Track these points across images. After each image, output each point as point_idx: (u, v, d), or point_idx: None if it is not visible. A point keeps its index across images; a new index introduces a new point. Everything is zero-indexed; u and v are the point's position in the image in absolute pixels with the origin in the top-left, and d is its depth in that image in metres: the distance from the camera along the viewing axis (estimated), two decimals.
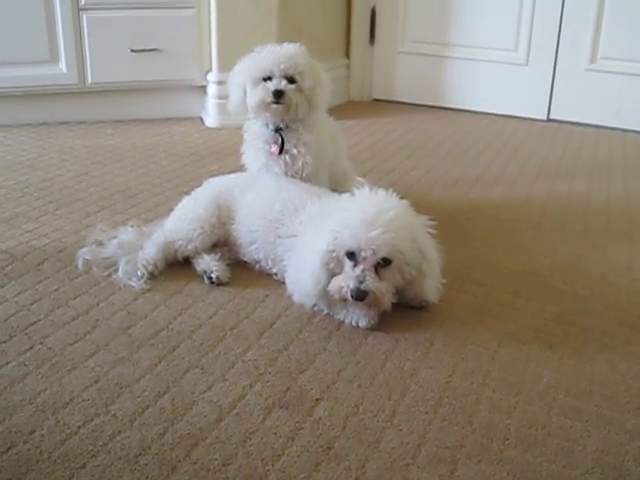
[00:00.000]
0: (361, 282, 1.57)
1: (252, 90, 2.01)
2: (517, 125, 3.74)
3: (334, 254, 1.61)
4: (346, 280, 1.59)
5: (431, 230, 1.73)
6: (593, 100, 3.70)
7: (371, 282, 1.57)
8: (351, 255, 1.60)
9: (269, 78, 1.99)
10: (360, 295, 1.57)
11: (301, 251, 1.73)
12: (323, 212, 1.74)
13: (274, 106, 1.99)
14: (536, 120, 3.83)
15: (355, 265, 1.60)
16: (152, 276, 1.88)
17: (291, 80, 1.99)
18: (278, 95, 1.97)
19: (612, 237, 2.28)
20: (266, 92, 1.98)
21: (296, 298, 1.73)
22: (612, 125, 3.67)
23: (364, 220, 1.57)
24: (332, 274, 1.63)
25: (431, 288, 1.70)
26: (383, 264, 1.60)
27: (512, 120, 3.83)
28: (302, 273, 1.66)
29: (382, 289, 1.59)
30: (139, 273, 1.85)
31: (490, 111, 3.93)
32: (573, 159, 3.15)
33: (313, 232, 1.72)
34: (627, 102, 3.62)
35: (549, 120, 3.82)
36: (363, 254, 1.58)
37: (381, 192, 1.68)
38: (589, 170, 2.99)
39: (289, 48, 2.02)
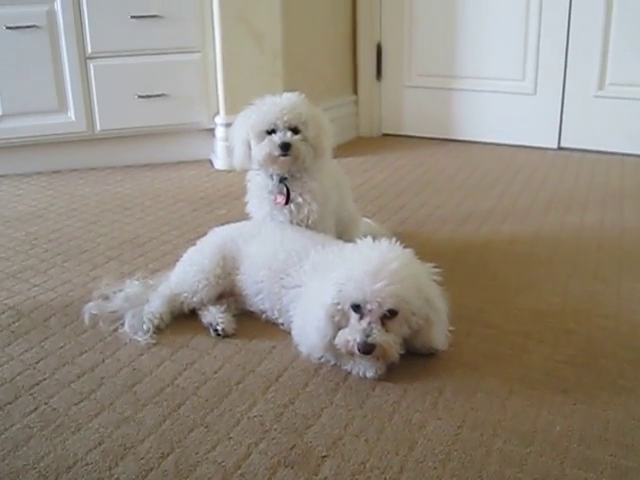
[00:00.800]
0: (368, 335, 1.55)
1: (257, 144, 2.00)
2: (528, 155, 3.71)
3: (339, 307, 1.59)
4: (352, 334, 1.56)
5: (436, 277, 1.70)
6: (603, 126, 3.67)
7: (378, 335, 1.55)
8: (356, 308, 1.58)
9: (273, 131, 1.98)
10: (367, 349, 1.55)
11: (306, 302, 1.71)
12: (327, 262, 1.73)
13: (282, 159, 1.98)
14: (547, 149, 3.80)
15: (361, 318, 1.58)
16: (158, 329, 1.86)
17: (295, 130, 1.98)
18: (285, 148, 1.96)
19: (626, 271, 2.24)
20: (273, 146, 1.97)
21: (303, 350, 1.71)
22: (624, 151, 3.63)
23: (368, 272, 1.55)
24: (338, 327, 1.61)
25: (439, 336, 1.67)
26: (389, 315, 1.58)
27: (522, 150, 3.80)
28: (308, 326, 1.64)
29: (389, 341, 1.57)
30: (145, 327, 1.84)
31: (500, 142, 3.90)
32: (585, 188, 3.12)
33: (317, 283, 1.71)
34: (638, 127, 3.59)
35: (560, 149, 3.79)
36: (369, 306, 1.56)
37: (384, 242, 1.67)
38: (602, 199, 2.96)
39: (290, 98, 2.01)
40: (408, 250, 1.67)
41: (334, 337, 1.61)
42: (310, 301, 1.68)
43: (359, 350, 1.55)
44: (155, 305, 1.89)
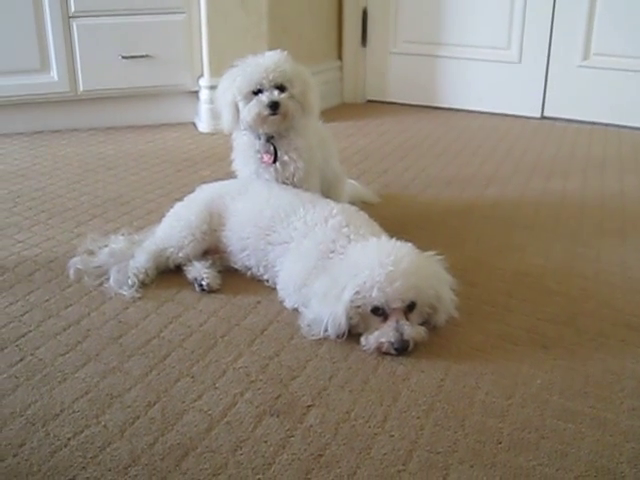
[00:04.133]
0: (401, 333, 1.56)
1: (245, 106, 1.99)
2: (511, 123, 3.73)
3: (360, 310, 1.59)
4: (384, 335, 1.56)
5: (442, 263, 1.72)
6: (587, 97, 3.69)
7: (409, 330, 1.57)
8: (376, 310, 1.58)
9: (259, 91, 1.97)
10: (404, 345, 1.56)
11: (302, 262, 1.73)
12: (319, 220, 1.77)
13: (271, 117, 1.97)
14: (530, 118, 3.82)
15: (385, 319, 1.59)
16: (143, 284, 1.87)
17: (281, 88, 1.97)
18: (274, 106, 1.95)
19: (606, 235, 2.27)
20: (261, 105, 1.96)
21: (314, 332, 1.65)
22: (606, 121, 3.66)
23: (384, 274, 1.55)
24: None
25: (442, 319, 1.69)
26: (409, 309, 1.60)
27: (506, 118, 3.82)
28: (324, 313, 1.60)
29: (421, 332, 1.60)
30: (130, 282, 1.85)
31: (484, 110, 3.92)
32: (567, 156, 3.14)
33: (309, 241, 1.74)
34: (621, 98, 3.61)
35: (543, 118, 3.81)
36: (393, 305, 1.57)
37: (385, 239, 1.69)
38: (583, 167, 2.98)
39: (273, 57, 2.00)
40: (409, 244, 1.68)
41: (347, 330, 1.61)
42: (309, 261, 1.71)
43: (396, 349, 1.56)
44: (140, 260, 1.89)
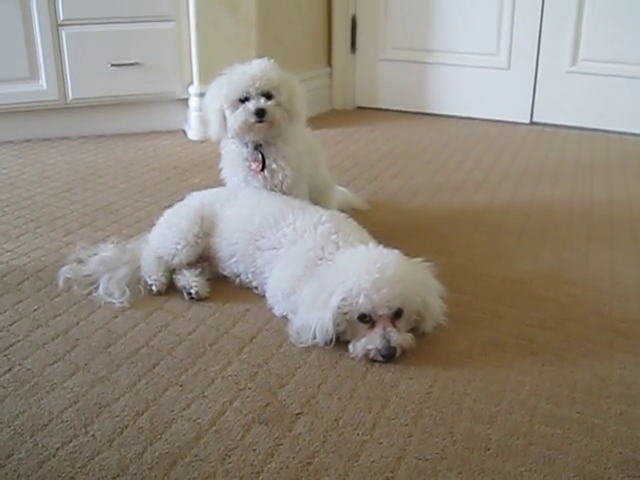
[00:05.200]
0: (388, 340, 1.56)
1: (232, 114, 1.99)
2: (500, 129, 3.74)
3: (347, 317, 1.59)
4: (371, 342, 1.57)
5: (430, 269, 1.73)
6: (575, 102, 3.71)
7: (396, 337, 1.57)
8: (363, 317, 1.59)
9: (246, 99, 1.98)
10: (391, 352, 1.56)
11: (288, 272, 1.73)
12: (308, 227, 1.78)
13: (258, 125, 1.97)
14: (519, 124, 3.83)
15: (372, 326, 1.59)
16: (160, 294, 1.88)
17: (268, 96, 1.97)
18: (261, 114, 1.96)
19: (594, 241, 2.28)
20: (248, 113, 1.96)
21: (302, 339, 1.65)
22: (595, 127, 3.68)
23: (371, 281, 1.55)
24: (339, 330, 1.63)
25: (429, 326, 1.69)
26: (396, 316, 1.60)
27: (495, 124, 3.83)
28: (311, 320, 1.61)
29: (408, 339, 1.61)
30: (154, 289, 1.87)
31: (473, 116, 3.93)
32: (556, 162, 3.15)
33: (298, 248, 1.74)
34: (609, 104, 3.63)
35: (532, 123, 3.83)
36: (380, 312, 1.57)
37: (373, 246, 1.70)
38: (572, 173, 3.00)
39: (260, 65, 2.00)
40: (397, 251, 1.68)
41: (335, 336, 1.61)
42: (296, 268, 1.71)
43: (383, 356, 1.56)
44: (152, 270, 1.89)
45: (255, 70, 1.98)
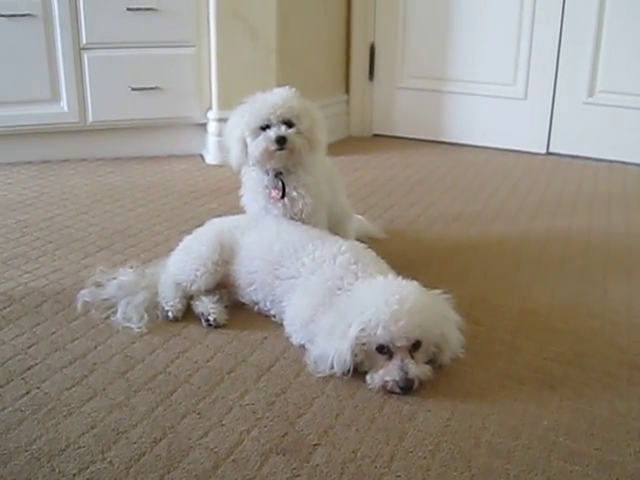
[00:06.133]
0: (406, 372, 1.56)
1: (253, 141, 2.00)
2: (516, 159, 3.74)
3: (365, 347, 1.59)
4: (389, 374, 1.56)
5: (448, 301, 1.73)
6: (592, 133, 3.71)
7: (414, 369, 1.57)
8: (382, 348, 1.58)
9: (267, 126, 1.99)
10: (409, 384, 1.56)
11: (306, 301, 1.74)
12: (327, 257, 1.78)
13: (279, 153, 1.98)
14: (535, 154, 3.83)
15: (390, 357, 1.59)
16: (176, 320, 1.89)
17: (289, 124, 1.99)
18: (281, 141, 1.97)
19: (612, 273, 2.28)
20: (269, 140, 1.97)
21: (320, 369, 1.64)
22: (611, 158, 3.67)
23: (389, 312, 1.55)
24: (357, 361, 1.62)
25: (447, 358, 1.68)
26: (415, 348, 1.60)
27: (511, 154, 3.83)
28: (329, 350, 1.61)
29: (426, 371, 1.60)
30: (170, 315, 1.88)
31: (489, 145, 3.94)
32: (573, 193, 3.15)
33: (317, 278, 1.75)
34: (626, 135, 3.63)
35: (548, 154, 3.83)
36: (398, 343, 1.56)
37: (392, 277, 1.70)
38: (589, 204, 2.99)
39: (282, 93, 2.02)
40: (415, 282, 1.68)
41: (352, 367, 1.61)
42: (314, 298, 1.72)
43: (401, 388, 1.56)
44: (169, 297, 1.90)
45: (276, 98, 2.00)
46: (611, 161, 3.67)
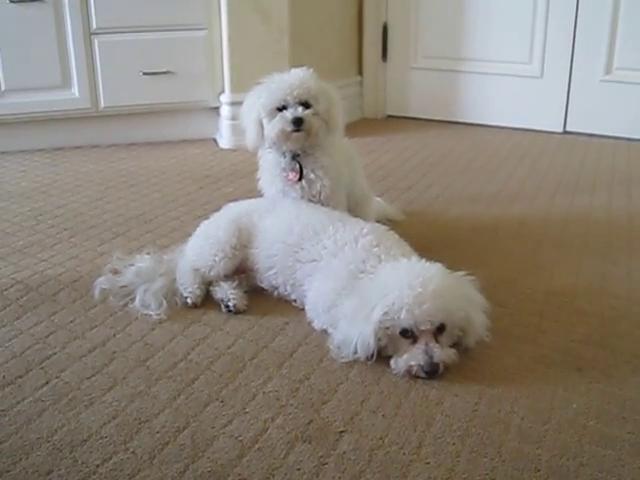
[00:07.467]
0: (431, 356, 1.53)
1: (269, 122, 1.97)
2: (533, 138, 3.69)
3: (389, 331, 1.56)
4: (414, 358, 1.54)
5: (473, 283, 1.69)
6: (609, 111, 3.65)
7: (439, 352, 1.54)
8: (405, 332, 1.55)
9: (284, 107, 1.95)
10: (434, 368, 1.53)
11: (328, 285, 1.70)
12: (349, 241, 1.75)
13: (295, 134, 1.95)
14: (552, 133, 3.78)
15: (414, 341, 1.56)
16: (195, 307, 1.86)
17: (306, 105, 1.95)
18: (298, 123, 1.93)
19: (635, 253, 2.23)
20: (285, 121, 1.94)
21: (344, 352, 1.62)
22: (629, 136, 3.62)
23: (413, 296, 1.52)
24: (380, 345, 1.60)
25: (472, 341, 1.65)
26: (439, 331, 1.57)
27: (528, 133, 3.78)
28: (352, 334, 1.58)
29: (451, 355, 1.57)
30: (189, 302, 1.85)
31: (506, 125, 3.88)
32: (592, 172, 3.10)
33: (338, 261, 1.72)
34: None
35: (565, 132, 3.78)
36: (422, 327, 1.53)
37: (415, 260, 1.67)
38: (609, 183, 2.95)
39: (298, 73, 1.98)
40: (439, 265, 1.65)
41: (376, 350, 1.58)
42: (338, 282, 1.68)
43: (426, 373, 1.53)
44: (187, 283, 1.88)
45: (293, 79, 1.96)
46: (629, 139, 3.61)
